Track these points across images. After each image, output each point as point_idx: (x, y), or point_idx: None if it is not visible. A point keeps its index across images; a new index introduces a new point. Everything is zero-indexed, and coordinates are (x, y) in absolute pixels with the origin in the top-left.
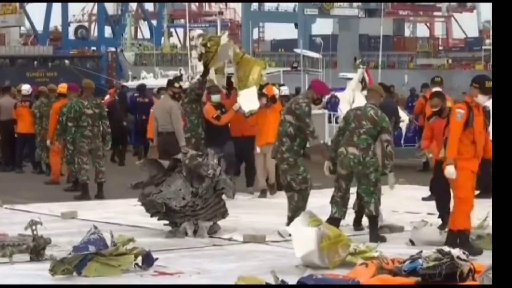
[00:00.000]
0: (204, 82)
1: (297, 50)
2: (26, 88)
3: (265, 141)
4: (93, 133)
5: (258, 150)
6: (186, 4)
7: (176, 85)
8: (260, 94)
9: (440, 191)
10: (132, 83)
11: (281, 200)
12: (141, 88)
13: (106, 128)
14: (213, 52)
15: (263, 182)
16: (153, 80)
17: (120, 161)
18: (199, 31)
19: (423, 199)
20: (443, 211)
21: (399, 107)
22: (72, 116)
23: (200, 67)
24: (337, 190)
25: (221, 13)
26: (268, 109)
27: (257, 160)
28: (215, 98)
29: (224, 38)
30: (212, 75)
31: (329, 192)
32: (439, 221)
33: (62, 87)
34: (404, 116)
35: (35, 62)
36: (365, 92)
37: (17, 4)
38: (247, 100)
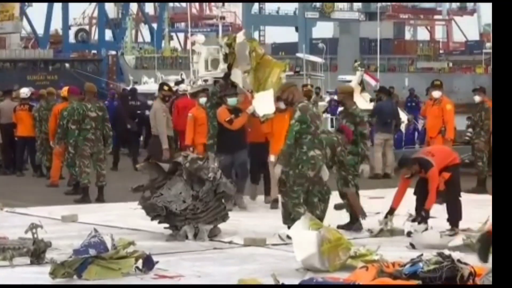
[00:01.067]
0: (227, 85)
1: (300, 55)
2: (25, 91)
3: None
4: (96, 136)
5: (272, 158)
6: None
7: (166, 87)
8: (277, 98)
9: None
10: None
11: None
12: (133, 92)
13: (108, 131)
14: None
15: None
16: (154, 85)
17: (133, 163)
18: (200, 36)
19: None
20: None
21: (398, 108)
22: (75, 119)
23: (202, 72)
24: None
25: (222, 17)
26: (286, 114)
27: (272, 168)
28: (232, 101)
29: (240, 36)
30: (237, 76)
31: (332, 197)
32: (440, 224)
33: (65, 91)
34: (403, 116)
35: (36, 66)
36: (365, 94)
37: (15, 11)
38: (263, 103)
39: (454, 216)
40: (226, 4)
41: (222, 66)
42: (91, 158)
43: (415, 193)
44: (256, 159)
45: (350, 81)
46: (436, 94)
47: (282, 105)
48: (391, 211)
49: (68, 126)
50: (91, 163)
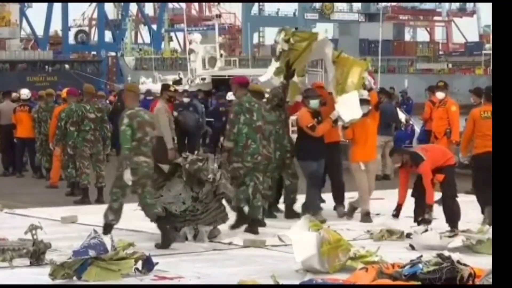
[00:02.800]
0: (287, 86)
1: None
2: (25, 92)
3: (370, 156)
4: (95, 137)
5: (362, 166)
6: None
7: (172, 89)
8: (360, 102)
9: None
10: None
11: (280, 204)
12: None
13: (107, 132)
14: (299, 50)
15: (367, 204)
16: (152, 85)
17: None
18: (197, 35)
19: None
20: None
21: (398, 109)
22: (74, 120)
23: (200, 71)
24: None
25: (219, 16)
26: (368, 118)
27: (360, 178)
28: (314, 103)
29: (322, 34)
30: (294, 77)
31: (330, 196)
32: (439, 226)
33: (65, 92)
34: (401, 116)
35: (36, 67)
36: (363, 92)
37: (11, 17)
38: (348, 107)
39: (451, 217)
40: (226, 5)
41: (220, 64)
42: (91, 159)
43: (413, 195)
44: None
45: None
46: (440, 95)
47: (364, 109)
48: (398, 208)
49: (67, 127)
50: (91, 164)
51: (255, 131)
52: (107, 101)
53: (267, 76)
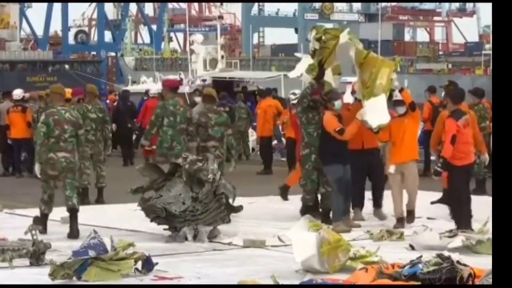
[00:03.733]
0: (321, 85)
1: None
2: (17, 93)
3: (407, 157)
4: (96, 138)
5: (392, 169)
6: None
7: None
8: (395, 103)
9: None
10: (133, 88)
11: (280, 205)
12: (125, 94)
13: (108, 133)
14: (330, 48)
15: (401, 208)
16: (152, 84)
17: (129, 161)
18: (198, 36)
19: (432, 203)
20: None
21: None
22: None
23: (201, 72)
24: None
25: (221, 17)
26: (405, 118)
27: (392, 181)
28: (338, 104)
29: (345, 35)
30: (328, 76)
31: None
32: (439, 226)
33: (68, 93)
34: None
35: (35, 67)
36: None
37: (10, 19)
38: (375, 111)
39: (457, 218)
40: (225, 5)
41: (221, 65)
42: (91, 160)
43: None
44: (357, 170)
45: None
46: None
47: (401, 110)
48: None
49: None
50: (91, 164)
51: (179, 133)
52: (107, 101)
53: (296, 72)
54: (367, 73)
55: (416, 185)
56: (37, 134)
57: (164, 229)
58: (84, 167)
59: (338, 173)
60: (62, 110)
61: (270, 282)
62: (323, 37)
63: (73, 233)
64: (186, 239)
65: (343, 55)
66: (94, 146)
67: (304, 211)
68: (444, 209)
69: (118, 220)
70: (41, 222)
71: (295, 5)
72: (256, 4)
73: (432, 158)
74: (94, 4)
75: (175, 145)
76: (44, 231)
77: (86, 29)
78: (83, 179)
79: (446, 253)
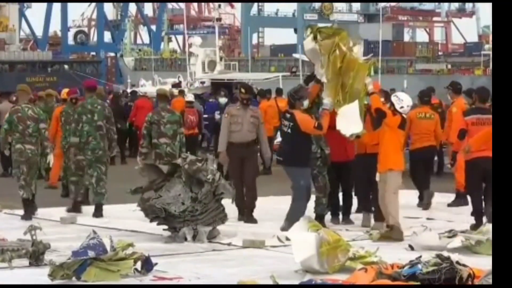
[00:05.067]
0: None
1: (296, 55)
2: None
3: (382, 167)
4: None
5: (377, 177)
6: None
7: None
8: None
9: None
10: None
11: (280, 205)
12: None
13: (113, 135)
14: (327, 49)
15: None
16: (151, 87)
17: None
18: (197, 38)
19: (449, 205)
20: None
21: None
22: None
23: (200, 74)
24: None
25: (219, 19)
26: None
27: (379, 189)
28: (306, 104)
29: (309, 41)
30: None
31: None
32: (439, 226)
33: (64, 93)
34: None
35: (35, 67)
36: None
37: (9, 22)
38: (348, 120)
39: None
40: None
41: (219, 67)
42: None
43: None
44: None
45: None
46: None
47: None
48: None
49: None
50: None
51: (96, 129)
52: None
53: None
54: (346, 77)
55: (390, 197)
56: (1, 130)
57: (164, 230)
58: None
59: (308, 178)
60: (25, 107)
61: (269, 282)
62: (319, 36)
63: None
64: (186, 239)
65: (313, 58)
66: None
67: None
68: (444, 210)
69: (117, 220)
70: (27, 207)
71: (294, 5)
72: (255, 4)
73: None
74: (93, 4)
75: (91, 140)
76: (28, 217)
77: (86, 29)
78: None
79: (445, 254)
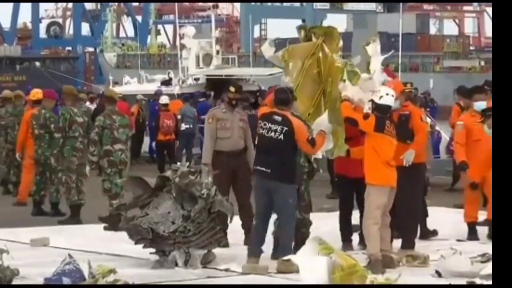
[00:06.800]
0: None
1: None
2: None
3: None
4: (84, 145)
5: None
6: None
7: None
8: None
9: None
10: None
11: None
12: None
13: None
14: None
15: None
16: (137, 85)
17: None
18: (190, 28)
19: (480, 224)
20: None
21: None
22: (60, 125)
23: (193, 70)
24: None
25: (216, 6)
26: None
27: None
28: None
29: (266, 47)
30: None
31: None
32: (470, 249)
33: (36, 93)
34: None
35: (1, 64)
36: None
37: None
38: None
39: None
40: None
41: (216, 62)
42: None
43: None
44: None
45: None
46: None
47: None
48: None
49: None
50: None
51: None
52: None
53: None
54: (326, 83)
55: (368, 221)
56: None
57: (151, 253)
58: (71, 181)
59: (296, 196)
60: None
61: None
62: (313, 38)
63: None
64: (176, 264)
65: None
66: (82, 156)
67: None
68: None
69: (97, 242)
70: None
71: None
72: None
73: None
74: None
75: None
76: None
77: (60, 20)
78: (72, 194)
79: (478, 281)
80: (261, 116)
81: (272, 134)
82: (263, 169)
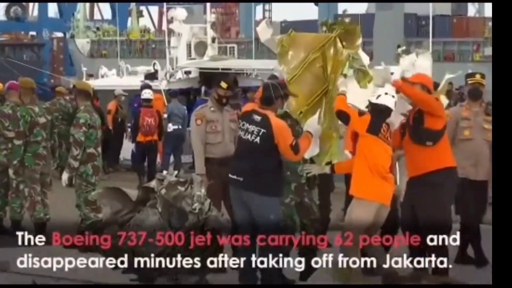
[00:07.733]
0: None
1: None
2: None
3: (352, 191)
4: (47, 151)
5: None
6: None
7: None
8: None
9: None
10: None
11: None
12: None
13: (56, 143)
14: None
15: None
16: (116, 78)
17: None
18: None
19: None
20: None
21: None
22: (20, 130)
23: (184, 61)
24: None
25: None
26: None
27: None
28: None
29: (264, 29)
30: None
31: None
32: None
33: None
34: None
35: None
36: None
37: None
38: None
39: None
40: None
41: (211, 52)
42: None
43: None
44: None
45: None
46: None
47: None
48: None
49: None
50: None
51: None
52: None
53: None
54: (330, 82)
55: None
56: None
57: (131, 280)
58: (35, 194)
59: (279, 211)
60: None
61: None
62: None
63: None
64: None
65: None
66: (45, 164)
67: None
68: None
69: (68, 266)
70: None
71: None
72: None
73: None
74: None
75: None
76: None
77: None
78: (37, 211)
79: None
80: (241, 114)
81: (249, 136)
82: (235, 177)
